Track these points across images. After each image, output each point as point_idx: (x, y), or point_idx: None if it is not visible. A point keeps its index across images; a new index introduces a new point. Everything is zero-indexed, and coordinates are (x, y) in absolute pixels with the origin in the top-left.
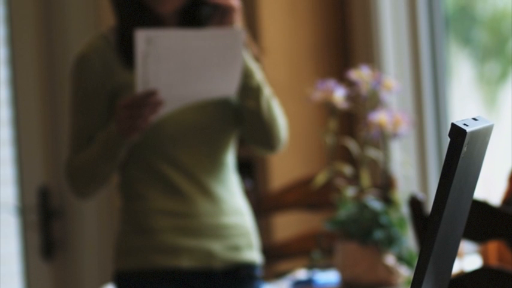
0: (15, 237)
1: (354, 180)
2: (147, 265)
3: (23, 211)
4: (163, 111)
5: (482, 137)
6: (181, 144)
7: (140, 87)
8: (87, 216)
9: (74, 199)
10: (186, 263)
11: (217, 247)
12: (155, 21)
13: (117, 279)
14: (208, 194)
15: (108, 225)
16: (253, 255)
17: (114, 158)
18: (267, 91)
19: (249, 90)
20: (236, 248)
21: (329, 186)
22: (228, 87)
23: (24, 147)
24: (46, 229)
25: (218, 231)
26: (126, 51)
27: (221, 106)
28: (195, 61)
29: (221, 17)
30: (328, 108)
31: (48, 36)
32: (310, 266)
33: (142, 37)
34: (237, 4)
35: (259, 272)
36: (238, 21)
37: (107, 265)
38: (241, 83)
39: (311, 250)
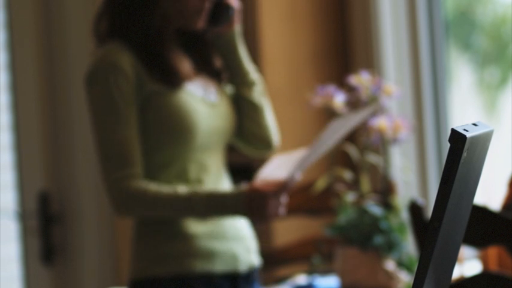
0: (15, 242)
1: (354, 185)
2: (184, 270)
3: (23, 216)
4: None
5: (482, 142)
6: (208, 149)
7: (300, 169)
8: (87, 221)
9: (73, 204)
10: (218, 266)
11: (240, 250)
12: (178, 32)
13: (150, 285)
14: None
15: (108, 231)
16: (257, 257)
17: (203, 218)
18: (261, 87)
19: (250, 83)
20: (250, 251)
21: (329, 192)
22: None
23: (24, 152)
24: (46, 234)
25: (238, 233)
26: (158, 67)
27: (235, 112)
28: (336, 135)
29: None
30: (328, 113)
31: (48, 41)
32: (310, 272)
33: (331, 126)
34: (236, 4)
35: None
36: (238, 22)
37: (107, 270)
38: (243, 79)
39: (311, 255)
